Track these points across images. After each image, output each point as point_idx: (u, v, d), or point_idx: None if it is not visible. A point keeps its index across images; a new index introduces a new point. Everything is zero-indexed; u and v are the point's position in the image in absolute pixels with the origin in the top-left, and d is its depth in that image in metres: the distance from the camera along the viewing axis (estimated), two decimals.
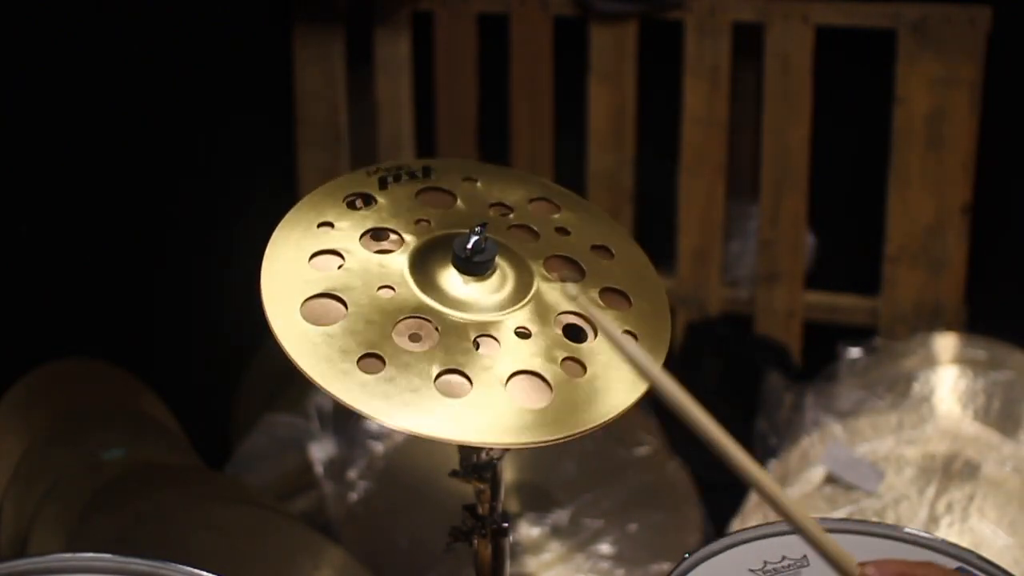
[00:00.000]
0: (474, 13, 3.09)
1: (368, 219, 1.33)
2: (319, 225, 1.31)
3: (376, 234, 1.31)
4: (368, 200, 1.35)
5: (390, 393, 1.17)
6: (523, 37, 3.08)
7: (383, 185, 1.37)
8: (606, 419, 1.21)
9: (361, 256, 1.29)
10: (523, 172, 1.52)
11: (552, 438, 1.19)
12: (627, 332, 1.29)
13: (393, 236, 1.31)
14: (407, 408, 1.17)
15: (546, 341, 1.25)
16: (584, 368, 1.24)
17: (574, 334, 1.28)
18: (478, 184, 1.42)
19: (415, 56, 3.14)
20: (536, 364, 1.23)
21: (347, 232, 1.31)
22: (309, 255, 1.28)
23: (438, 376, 1.19)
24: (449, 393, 1.19)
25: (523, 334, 1.25)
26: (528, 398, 1.20)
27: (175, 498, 2.34)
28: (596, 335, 1.27)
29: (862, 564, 1.10)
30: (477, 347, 1.23)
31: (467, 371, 1.20)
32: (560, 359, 1.24)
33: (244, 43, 3.10)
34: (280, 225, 1.31)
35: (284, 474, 2.75)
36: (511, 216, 1.38)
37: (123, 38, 2.71)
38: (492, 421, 1.18)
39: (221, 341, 2.92)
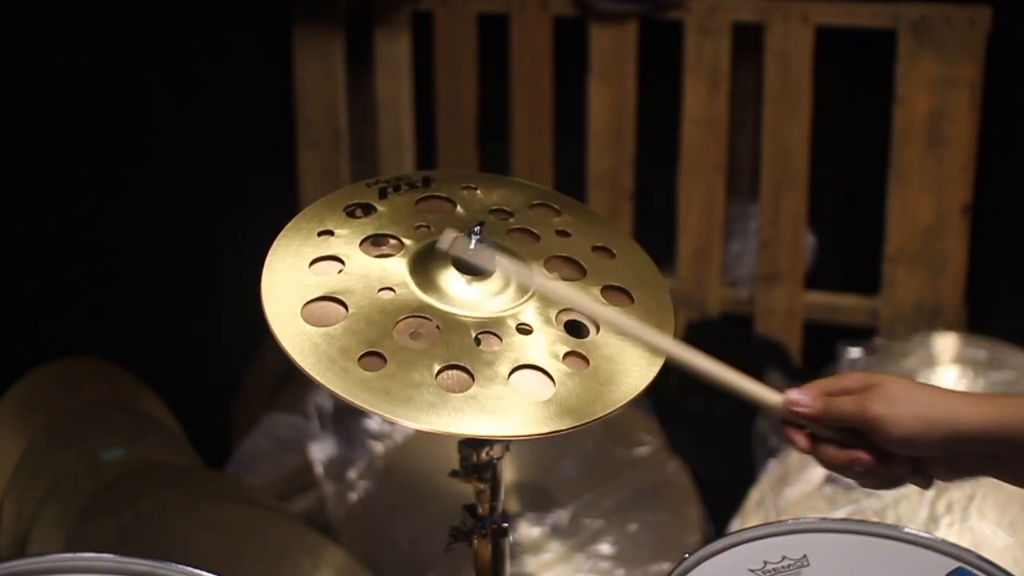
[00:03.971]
0: (474, 13, 3.09)
1: (368, 226, 1.33)
2: (319, 234, 1.32)
3: (376, 240, 1.32)
4: (368, 209, 1.36)
5: (391, 389, 1.17)
6: (523, 37, 3.08)
7: (383, 195, 1.38)
8: (610, 410, 1.21)
9: (361, 261, 1.29)
10: (523, 180, 1.53)
11: (556, 429, 1.19)
12: None
13: (393, 241, 1.32)
14: (409, 403, 1.17)
15: (548, 337, 1.25)
16: (587, 362, 1.24)
17: (576, 330, 1.28)
18: (478, 192, 1.42)
19: (415, 56, 3.14)
20: (538, 358, 1.23)
21: (347, 239, 1.31)
22: (309, 261, 1.28)
23: (439, 372, 1.20)
24: (451, 388, 1.19)
25: (525, 330, 1.25)
26: (531, 391, 1.20)
27: (175, 498, 2.34)
28: (599, 330, 1.28)
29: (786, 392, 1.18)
30: (478, 343, 1.23)
31: (469, 366, 1.20)
32: (562, 354, 1.24)
33: (244, 43, 3.10)
34: (280, 236, 1.31)
35: (284, 474, 2.75)
36: (511, 220, 1.39)
37: (123, 38, 2.71)
38: (495, 414, 1.18)
39: (221, 341, 2.92)
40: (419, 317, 1.24)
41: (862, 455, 1.16)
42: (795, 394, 1.18)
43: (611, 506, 2.63)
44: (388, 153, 3.20)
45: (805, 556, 1.33)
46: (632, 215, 3.10)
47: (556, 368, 1.23)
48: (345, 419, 2.73)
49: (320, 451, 2.72)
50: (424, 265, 1.29)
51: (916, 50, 2.85)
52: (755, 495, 2.52)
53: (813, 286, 3.07)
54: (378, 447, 2.68)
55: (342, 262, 1.29)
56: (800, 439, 1.19)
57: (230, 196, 2.99)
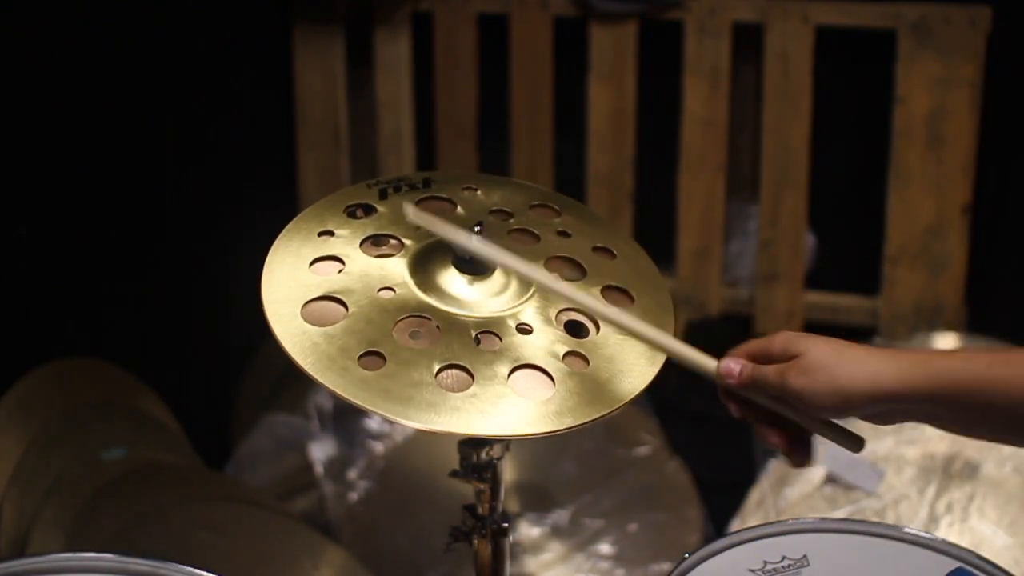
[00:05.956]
0: (474, 13, 3.09)
1: (368, 227, 1.33)
2: (319, 234, 1.32)
3: (376, 240, 1.32)
4: (368, 210, 1.36)
5: (391, 388, 1.17)
6: (523, 37, 3.08)
7: (383, 196, 1.38)
8: (610, 410, 1.21)
9: (361, 261, 1.29)
10: (523, 181, 1.53)
11: (555, 429, 1.19)
12: None
13: (393, 241, 1.32)
14: (409, 402, 1.17)
15: (548, 337, 1.25)
16: (587, 362, 1.24)
17: (576, 330, 1.28)
18: (478, 192, 1.42)
19: (415, 56, 3.14)
20: (538, 358, 1.23)
21: (347, 239, 1.31)
22: (309, 261, 1.28)
23: (439, 371, 1.20)
24: (450, 387, 1.19)
25: (525, 330, 1.25)
26: (530, 391, 1.20)
27: (175, 498, 2.34)
28: (599, 330, 1.28)
29: (720, 360, 1.24)
30: (478, 343, 1.23)
31: (468, 365, 1.20)
32: (562, 354, 1.24)
33: (244, 43, 3.10)
34: (280, 236, 1.31)
35: (284, 474, 2.75)
36: (511, 221, 1.39)
37: (123, 39, 2.71)
38: (494, 414, 1.18)
39: (221, 341, 2.92)
40: (419, 317, 1.24)
41: (775, 439, 1.21)
42: (727, 363, 1.23)
43: (611, 506, 2.63)
44: (388, 153, 3.21)
45: (805, 556, 1.33)
46: (632, 215, 3.10)
47: (556, 368, 1.23)
48: (345, 419, 2.73)
49: (320, 451, 2.72)
50: (424, 265, 1.29)
51: (916, 50, 2.85)
52: (755, 495, 2.52)
53: (813, 286, 3.07)
54: (378, 447, 2.68)
55: (342, 262, 1.29)
56: (733, 407, 1.23)
57: (230, 196, 2.99)
